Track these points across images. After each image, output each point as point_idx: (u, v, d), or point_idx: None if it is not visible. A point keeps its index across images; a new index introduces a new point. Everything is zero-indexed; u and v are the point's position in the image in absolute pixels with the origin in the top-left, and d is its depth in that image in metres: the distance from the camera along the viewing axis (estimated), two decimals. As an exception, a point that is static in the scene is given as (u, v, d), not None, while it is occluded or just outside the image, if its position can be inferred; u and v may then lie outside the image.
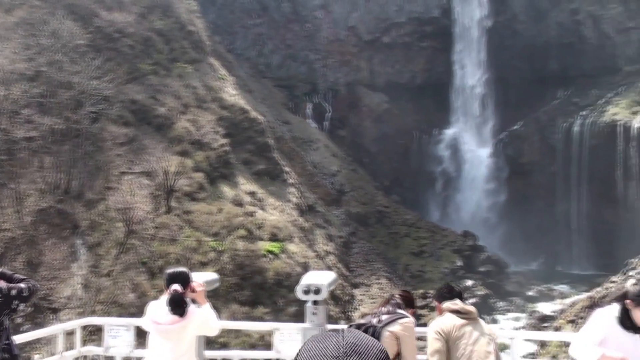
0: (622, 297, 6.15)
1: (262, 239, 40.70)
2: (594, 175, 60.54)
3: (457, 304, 7.20)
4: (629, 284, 6.08)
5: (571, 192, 63.01)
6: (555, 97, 69.01)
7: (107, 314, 28.34)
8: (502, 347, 9.29)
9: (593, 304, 34.96)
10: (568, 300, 44.76)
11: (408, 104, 72.76)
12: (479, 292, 48.02)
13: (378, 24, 74.91)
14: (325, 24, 75.57)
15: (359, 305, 44.73)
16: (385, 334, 6.61)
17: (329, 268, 44.43)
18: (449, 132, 71.75)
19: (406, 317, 6.90)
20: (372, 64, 75.94)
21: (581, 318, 34.24)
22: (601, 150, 59.54)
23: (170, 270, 7.48)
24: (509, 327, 40.91)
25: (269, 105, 65.80)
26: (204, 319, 7.32)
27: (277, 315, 34.81)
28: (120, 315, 26.06)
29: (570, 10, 70.95)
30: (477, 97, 72.73)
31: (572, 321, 34.35)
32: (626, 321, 5.97)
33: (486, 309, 45.00)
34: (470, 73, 73.33)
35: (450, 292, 7.39)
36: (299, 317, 35.25)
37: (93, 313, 28.24)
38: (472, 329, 7.00)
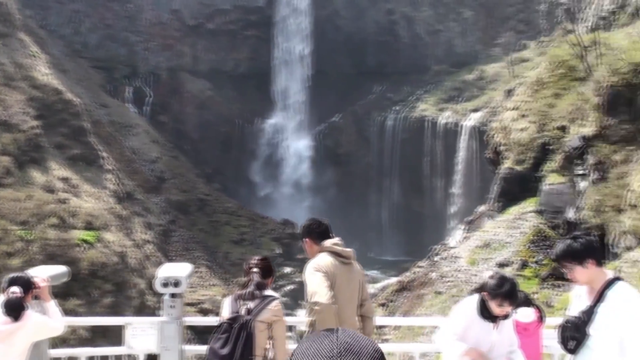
0: (480, 289, 6.55)
1: (75, 228, 38.62)
2: (404, 167, 64.51)
3: (339, 244, 6.90)
4: (487, 276, 6.59)
5: (383, 182, 66.70)
6: (372, 91, 72.47)
7: None
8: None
9: (402, 288, 37.51)
10: (379, 285, 47.44)
11: (232, 92, 72.67)
12: (297, 279, 49.36)
13: (202, 9, 73.86)
14: (147, 6, 73.01)
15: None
16: (258, 325, 6.38)
17: (147, 257, 43.37)
18: (271, 122, 72.73)
19: (273, 299, 6.60)
20: (196, 49, 74.74)
21: (391, 301, 36.57)
22: (411, 143, 63.63)
23: (10, 275, 7.02)
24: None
25: (86, 87, 62.35)
26: (40, 322, 6.93)
27: (92, 307, 33.35)
28: None
29: (387, 10, 74.89)
30: (299, 88, 74.39)
31: (383, 304, 36.49)
32: (484, 311, 6.38)
33: (303, 296, 46.47)
34: (293, 64, 74.85)
35: (320, 227, 7.06)
36: (114, 308, 34.14)
37: None
38: (349, 273, 6.82)
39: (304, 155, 70.77)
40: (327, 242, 6.88)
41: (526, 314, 7.57)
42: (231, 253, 54.42)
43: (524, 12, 68.76)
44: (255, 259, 6.96)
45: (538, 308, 7.84)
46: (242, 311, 6.50)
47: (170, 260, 48.21)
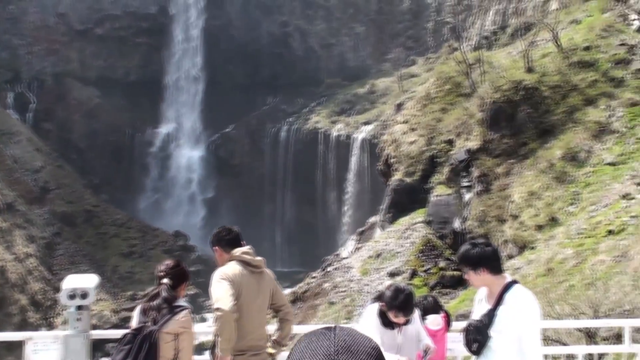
0: (378, 298, 6.80)
1: (-52, 241, 36.13)
2: (298, 179, 64.90)
3: (249, 252, 6.77)
4: (384, 287, 6.80)
5: (277, 193, 66.77)
6: (265, 102, 72.58)
7: None
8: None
9: (296, 299, 37.57)
10: (272, 296, 47.16)
11: (121, 100, 70.46)
12: (189, 292, 48.36)
13: (91, 14, 71.25)
14: (32, 8, 69.60)
15: (63, 310, 42.11)
16: (163, 336, 6.11)
17: (29, 272, 41.15)
18: (163, 131, 71.18)
19: (182, 309, 6.34)
20: (84, 55, 71.90)
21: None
22: (304, 155, 64.13)
23: None
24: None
25: (-39, 91, 58.63)
26: None
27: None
28: None
29: (281, 22, 75.34)
30: (192, 97, 73.26)
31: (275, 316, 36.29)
32: (384, 318, 6.66)
33: (196, 308, 45.54)
34: (186, 73, 73.69)
35: (229, 235, 6.92)
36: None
37: None
38: (259, 282, 6.74)
39: (196, 165, 69.71)
40: (237, 251, 6.78)
41: (436, 322, 7.76)
42: (120, 266, 52.64)
43: (413, 29, 71.18)
44: (165, 266, 6.60)
45: (446, 313, 8.06)
46: (149, 322, 6.22)
47: (55, 274, 46.00)
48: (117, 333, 6.70)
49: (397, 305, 6.50)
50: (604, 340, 12.30)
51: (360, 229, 46.45)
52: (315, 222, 63.79)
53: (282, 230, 66.14)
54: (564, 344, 11.48)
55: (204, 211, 67.50)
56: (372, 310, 6.85)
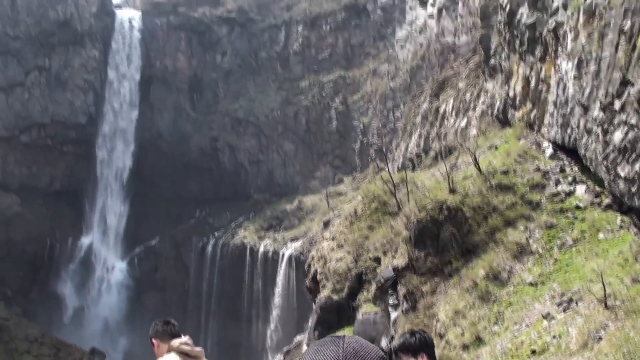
0: None
1: None
2: (223, 295, 63.67)
3: (188, 343, 6.61)
4: None
5: (202, 309, 65.07)
6: (193, 216, 72.10)
7: None
8: None
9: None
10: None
11: (43, 209, 68.49)
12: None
13: (18, 121, 70.25)
14: (-46, 114, 68.31)
15: None
16: None
17: None
18: (86, 242, 69.18)
19: None
20: (6, 162, 70.17)
21: None
22: (230, 271, 63.35)
23: None
24: None
25: None
26: None
27: None
28: None
29: (211, 137, 76.42)
30: (117, 209, 72.08)
31: None
32: None
33: None
34: (112, 184, 72.84)
35: (166, 326, 6.88)
36: None
37: None
38: None
39: (119, 278, 67.47)
40: (176, 342, 6.66)
41: None
42: (27, 386, 49.17)
43: (340, 148, 73.43)
44: None
45: None
46: None
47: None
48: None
49: None
50: None
51: (287, 348, 45.44)
52: (240, 340, 62.03)
53: (205, 348, 63.53)
54: None
55: (124, 326, 64.77)
56: None
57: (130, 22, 77.36)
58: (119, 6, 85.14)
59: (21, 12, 69.86)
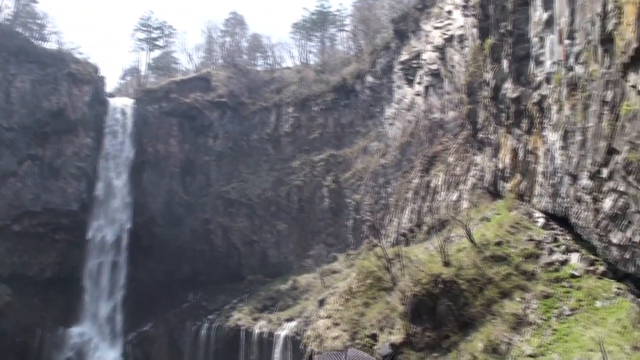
0: None
1: None
2: (219, 379, 62.05)
3: None
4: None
5: (196, 395, 63.29)
6: (186, 299, 71.15)
7: None
8: None
9: None
10: None
11: (34, 298, 67.43)
12: None
13: (10, 210, 70.08)
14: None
15: None
16: None
17: None
18: (77, 331, 67.78)
19: None
20: (-2, 252, 69.70)
21: None
22: (225, 354, 61.94)
23: None
24: None
25: None
26: None
27: None
28: None
29: (203, 219, 76.44)
30: (109, 295, 71.10)
31: None
32: None
33: None
34: (104, 271, 72.10)
35: None
36: None
37: None
38: None
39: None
40: None
41: None
42: None
43: (333, 226, 73.40)
44: None
45: None
46: None
47: None
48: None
49: None
50: None
51: None
52: None
53: None
54: None
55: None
56: None
57: (122, 109, 78.70)
58: (112, 94, 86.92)
59: (15, 104, 71.07)
